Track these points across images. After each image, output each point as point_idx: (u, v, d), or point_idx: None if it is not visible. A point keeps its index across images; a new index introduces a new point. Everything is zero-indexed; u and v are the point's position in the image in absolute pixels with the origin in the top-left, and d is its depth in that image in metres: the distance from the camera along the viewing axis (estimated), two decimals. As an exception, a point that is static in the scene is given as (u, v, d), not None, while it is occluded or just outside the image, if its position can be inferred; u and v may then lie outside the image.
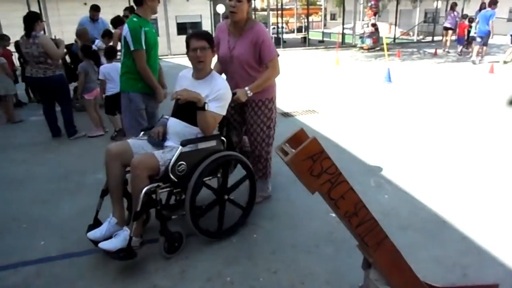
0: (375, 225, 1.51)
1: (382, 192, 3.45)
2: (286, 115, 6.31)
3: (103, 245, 2.40)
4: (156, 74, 3.75)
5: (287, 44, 22.13)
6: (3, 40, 7.14)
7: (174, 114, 2.73)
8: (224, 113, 2.70)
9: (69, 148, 5.01)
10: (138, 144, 2.65)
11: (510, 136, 4.85)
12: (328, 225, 2.91)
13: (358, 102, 6.99)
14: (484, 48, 11.19)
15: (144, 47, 3.49)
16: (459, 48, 12.81)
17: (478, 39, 10.88)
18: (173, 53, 19.07)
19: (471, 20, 12.67)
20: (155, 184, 2.42)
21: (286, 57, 15.67)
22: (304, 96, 7.72)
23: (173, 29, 20.14)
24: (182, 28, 20.51)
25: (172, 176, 2.44)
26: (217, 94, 2.60)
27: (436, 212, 3.06)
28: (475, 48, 11.06)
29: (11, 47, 7.74)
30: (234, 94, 2.82)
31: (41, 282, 2.40)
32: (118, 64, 5.16)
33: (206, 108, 2.51)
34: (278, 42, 21.19)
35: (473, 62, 10.88)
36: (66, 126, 5.32)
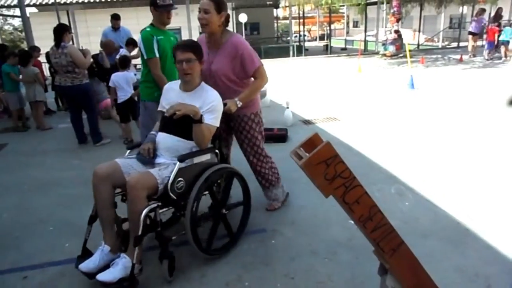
0: (390, 230, 1.51)
1: (403, 200, 3.39)
2: (307, 122, 6.31)
3: (102, 277, 2.21)
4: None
5: (309, 52, 22.15)
6: (35, 51, 7.46)
7: (163, 129, 2.60)
8: (218, 124, 2.61)
9: (94, 154, 5.17)
10: (127, 163, 2.48)
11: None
12: (347, 231, 2.89)
13: (380, 109, 6.91)
14: None
15: (157, 55, 3.49)
16: (486, 52, 12.56)
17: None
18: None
19: (500, 25, 12.46)
20: (155, 204, 2.29)
21: (307, 65, 15.68)
22: (325, 103, 7.70)
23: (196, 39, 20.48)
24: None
25: (171, 194, 2.32)
26: (210, 106, 2.54)
27: (458, 220, 2.99)
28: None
29: (42, 58, 8.10)
30: (224, 105, 2.76)
31: (66, 282, 2.49)
32: (128, 73, 5.42)
33: (202, 120, 2.43)
34: (300, 50, 21.22)
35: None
36: (92, 133, 5.50)
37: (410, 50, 9.78)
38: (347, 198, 1.40)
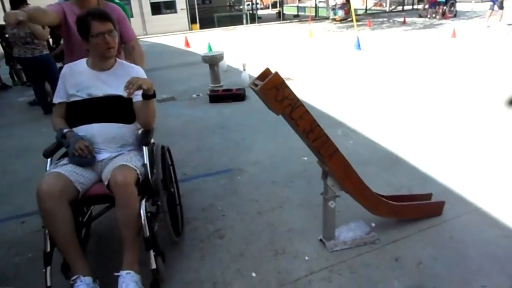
0: (327, 139, 2.02)
1: (348, 140, 3.99)
2: (263, 83, 6.76)
3: None
4: None
5: (262, 20, 22.31)
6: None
7: (90, 119, 2.13)
8: None
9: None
10: (70, 170, 2.00)
11: (451, 89, 5.46)
12: (301, 166, 3.43)
13: (329, 69, 7.50)
14: (500, 11, 11.81)
15: None
16: (430, 11, 13.85)
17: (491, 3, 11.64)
18: (148, 33, 19.05)
19: None
20: (144, 198, 2.04)
21: (261, 32, 15.96)
22: (280, 65, 8.15)
23: (147, 9, 19.99)
24: (156, 7, 20.37)
25: (151, 183, 2.11)
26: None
27: (391, 151, 3.62)
28: (488, 12, 11.78)
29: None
30: None
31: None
32: None
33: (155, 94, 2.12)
34: (253, 18, 21.34)
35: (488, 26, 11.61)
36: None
37: (358, 14, 10.39)
38: (294, 115, 1.88)
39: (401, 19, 14.55)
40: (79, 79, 2.17)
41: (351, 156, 3.55)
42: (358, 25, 9.83)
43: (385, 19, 16.02)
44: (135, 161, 2.08)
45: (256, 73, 5.65)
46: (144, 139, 2.19)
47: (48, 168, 2.10)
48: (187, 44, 12.19)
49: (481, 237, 2.34)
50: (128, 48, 2.74)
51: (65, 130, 2.12)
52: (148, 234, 1.96)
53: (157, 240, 2.06)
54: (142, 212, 1.96)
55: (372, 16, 17.50)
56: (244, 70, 6.48)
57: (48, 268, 1.93)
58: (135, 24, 19.52)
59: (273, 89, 1.80)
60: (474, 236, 2.34)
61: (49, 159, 2.15)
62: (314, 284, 2.06)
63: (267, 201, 2.93)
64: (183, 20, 20.67)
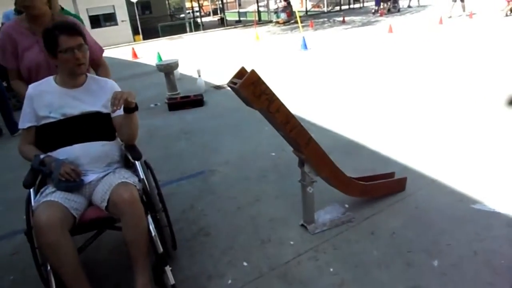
0: (302, 129, 2.19)
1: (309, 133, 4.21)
2: (218, 87, 6.89)
3: None
4: None
5: (205, 27, 22.43)
6: None
7: (68, 140, 2.00)
8: None
9: (15, 143, 5.12)
10: (62, 197, 1.86)
11: (390, 76, 5.94)
12: (271, 161, 3.59)
13: (280, 70, 7.78)
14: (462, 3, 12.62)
15: None
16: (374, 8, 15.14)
17: None
18: (90, 47, 18.40)
19: None
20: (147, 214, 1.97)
21: (206, 39, 16.05)
22: (231, 69, 8.25)
23: (86, 22, 19.33)
24: (95, 20, 19.84)
25: (145, 197, 2.03)
26: None
27: (352, 139, 3.89)
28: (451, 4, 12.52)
29: None
30: None
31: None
32: None
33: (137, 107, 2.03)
34: (196, 26, 21.38)
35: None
36: (7, 124, 5.39)
37: (299, 16, 10.80)
38: (271, 108, 2.03)
39: (341, 19, 15.34)
40: (49, 99, 2.01)
41: None
42: (302, 26, 10.29)
43: (325, 19, 16.79)
44: (131, 177, 1.99)
45: (210, 79, 5.80)
46: (134, 154, 2.10)
47: (34, 199, 1.93)
48: (134, 55, 12.00)
49: (441, 204, 2.62)
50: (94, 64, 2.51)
51: (41, 156, 1.96)
52: (161, 250, 1.93)
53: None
54: (152, 228, 1.92)
55: (313, 17, 18.25)
56: (199, 76, 6.55)
57: None
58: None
59: (251, 86, 1.93)
60: (435, 204, 2.62)
61: (31, 190, 1.98)
62: (303, 264, 2.21)
63: (244, 196, 3.05)
64: (126, 32, 20.27)
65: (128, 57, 12.23)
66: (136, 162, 2.11)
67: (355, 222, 2.53)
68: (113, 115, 2.08)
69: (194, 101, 5.84)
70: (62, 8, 2.92)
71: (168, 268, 1.94)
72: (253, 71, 1.93)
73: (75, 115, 2.01)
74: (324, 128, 4.29)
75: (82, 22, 3.03)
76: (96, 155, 2.03)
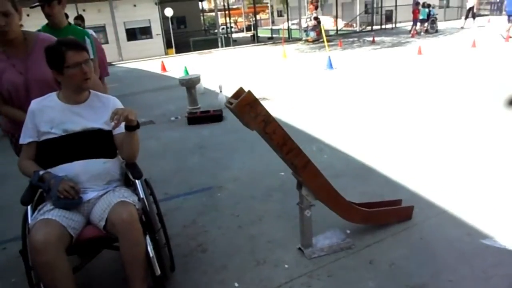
0: (299, 152, 2.16)
1: (322, 154, 4.16)
2: (240, 103, 6.95)
3: None
4: None
5: (237, 42, 22.84)
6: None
7: (68, 157, 1.97)
8: None
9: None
10: (59, 215, 1.83)
11: (415, 102, 5.78)
12: (278, 180, 3.56)
13: (303, 88, 7.78)
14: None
15: None
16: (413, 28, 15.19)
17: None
18: (124, 58, 19.17)
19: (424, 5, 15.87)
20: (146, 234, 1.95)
21: (236, 55, 16.32)
22: (256, 86, 8.37)
23: (123, 35, 20.20)
24: (131, 33, 20.65)
25: (144, 217, 2.00)
26: None
27: (364, 163, 3.81)
28: (507, 25, 12.26)
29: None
30: None
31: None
32: None
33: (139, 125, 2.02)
34: (228, 41, 21.81)
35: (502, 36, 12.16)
36: None
37: (329, 35, 10.86)
38: (267, 129, 2.02)
39: (371, 39, 15.23)
40: (51, 114, 1.99)
41: (325, 169, 3.73)
42: (329, 45, 10.30)
43: (355, 39, 16.72)
44: (131, 196, 1.97)
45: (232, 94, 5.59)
46: (135, 172, 2.07)
47: (31, 217, 1.90)
48: (163, 68, 12.35)
49: (448, 236, 2.50)
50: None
51: (41, 172, 1.92)
52: (159, 272, 1.91)
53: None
54: (150, 249, 1.89)
55: (343, 37, 18.22)
56: (221, 91, 6.65)
57: None
58: (110, 50, 19.63)
59: (247, 106, 1.94)
60: (441, 236, 2.51)
61: (29, 207, 1.95)
62: (295, 290, 2.16)
63: (247, 215, 3.03)
64: (159, 45, 20.95)
65: (158, 70, 12.61)
66: (137, 180, 2.08)
67: (354, 249, 2.46)
68: (114, 132, 2.05)
69: (213, 116, 5.91)
70: (70, 24, 3.06)
71: None
72: (249, 92, 1.94)
73: (76, 131, 1.99)
74: (337, 150, 4.23)
75: (90, 38, 3.13)
76: (97, 172, 2.00)
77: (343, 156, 4.05)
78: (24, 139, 2.02)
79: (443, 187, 3.14)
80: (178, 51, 20.93)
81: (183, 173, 4.03)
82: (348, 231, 2.63)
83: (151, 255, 1.90)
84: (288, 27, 21.81)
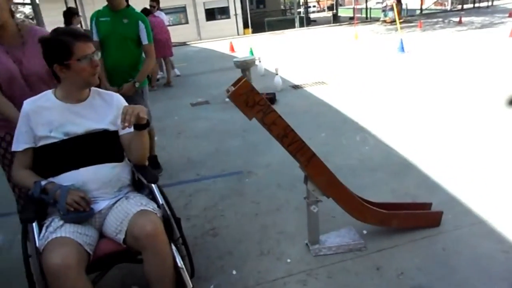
0: (302, 145, 2.05)
1: (364, 145, 3.92)
2: (296, 87, 6.81)
3: None
4: (121, 69, 3.24)
5: (317, 23, 22.28)
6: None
7: (77, 163, 1.76)
8: None
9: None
10: (72, 231, 1.63)
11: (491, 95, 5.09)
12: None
13: (366, 73, 7.34)
14: None
15: (94, 38, 3.19)
16: None
17: None
18: (202, 38, 19.82)
19: None
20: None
21: (309, 35, 15.90)
22: (317, 69, 8.15)
23: (202, 15, 20.84)
24: (210, 13, 21.21)
25: (166, 226, 1.76)
26: None
27: (405, 157, 3.51)
28: None
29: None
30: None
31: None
32: None
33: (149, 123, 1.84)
34: (306, 21, 21.34)
35: None
36: None
37: (411, 15, 10.00)
38: (266, 120, 1.95)
39: (457, 19, 13.75)
40: (49, 116, 1.76)
41: (363, 161, 3.59)
42: (407, 27, 9.50)
43: (439, 19, 15.22)
44: (149, 204, 1.78)
45: (292, 77, 5.59)
46: (149, 176, 1.88)
47: (38, 235, 1.62)
48: (232, 48, 12.52)
49: (477, 250, 2.22)
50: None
51: (43, 183, 1.70)
52: (191, 285, 1.77)
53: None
54: (178, 260, 1.73)
55: (426, 17, 16.70)
56: (277, 74, 6.56)
57: None
58: (190, 29, 20.49)
59: (243, 95, 1.88)
60: (469, 250, 2.23)
61: (34, 224, 1.64)
62: (289, 286, 2.10)
63: (267, 203, 2.99)
64: (236, 25, 21.25)
65: (227, 50, 12.81)
66: (153, 185, 1.87)
67: (364, 252, 2.30)
68: (121, 132, 1.87)
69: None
70: (128, 5, 3.22)
71: None
72: (245, 82, 1.88)
73: (79, 134, 1.78)
74: (381, 142, 3.95)
75: (145, 23, 3.26)
76: (107, 179, 1.80)
77: (386, 148, 3.78)
78: (18, 145, 1.77)
79: (488, 194, 2.76)
80: (255, 31, 21.05)
81: (220, 155, 4.10)
82: (365, 232, 2.46)
83: (180, 265, 1.73)
84: (366, 6, 20.59)
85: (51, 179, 1.75)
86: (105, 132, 1.83)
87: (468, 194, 2.77)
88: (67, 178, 1.74)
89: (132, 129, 1.76)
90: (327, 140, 4.15)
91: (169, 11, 16.24)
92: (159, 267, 1.67)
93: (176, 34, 7.98)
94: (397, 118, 4.63)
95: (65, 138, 1.76)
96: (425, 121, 4.42)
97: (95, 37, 3.18)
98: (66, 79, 1.77)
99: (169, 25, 8.70)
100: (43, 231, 1.64)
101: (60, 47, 1.69)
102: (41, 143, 1.75)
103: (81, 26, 7.39)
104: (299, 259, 2.30)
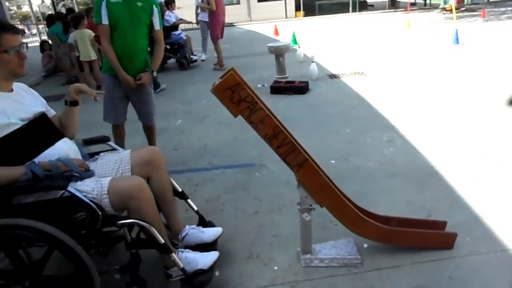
0: (294, 148, 1.87)
1: (390, 146, 3.60)
2: (332, 76, 6.47)
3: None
4: (133, 55, 3.08)
5: (374, 7, 21.18)
6: (90, 12, 8.22)
7: (47, 142, 1.88)
8: None
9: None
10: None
11: None
12: (325, 169, 3.22)
13: (410, 65, 6.81)
14: None
15: (104, 22, 2.94)
16: None
17: None
18: (253, 19, 19.55)
19: None
20: None
21: (360, 22, 15.10)
22: (358, 58, 7.72)
23: (244, -4, 20.49)
24: (262, -6, 20.81)
25: None
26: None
27: (431, 164, 3.17)
28: None
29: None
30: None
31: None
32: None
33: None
34: (362, 6, 20.34)
35: None
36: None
37: (476, 3, 9.12)
38: (253, 118, 1.78)
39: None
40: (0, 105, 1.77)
41: (383, 164, 3.30)
42: (469, 16, 8.66)
43: (509, 8, 13.80)
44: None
45: (330, 65, 5.17)
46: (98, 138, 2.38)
47: (84, 191, 1.75)
48: (276, 32, 12.20)
49: (492, 282, 1.94)
50: None
51: (36, 162, 1.75)
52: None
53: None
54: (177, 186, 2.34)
55: (494, 5, 15.20)
56: (313, 62, 6.26)
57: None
58: (240, 10, 20.27)
59: (227, 91, 1.72)
60: (479, 282, 1.95)
61: (71, 186, 1.74)
62: (268, 297, 1.96)
63: (270, 201, 2.84)
64: (288, 7, 20.72)
65: (271, 33, 12.50)
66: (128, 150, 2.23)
67: (360, 269, 2.09)
68: (50, 114, 2.05)
69: (297, 88, 5.63)
70: None
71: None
72: (232, 74, 1.71)
73: (31, 118, 1.85)
74: (409, 144, 3.61)
75: (158, 8, 3.13)
76: (75, 149, 2.01)
77: (412, 152, 3.45)
78: None
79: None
80: (307, 14, 20.42)
81: (237, 144, 3.97)
82: (366, 245, 2.24)
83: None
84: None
85: (34, 160, 1.77)
86: (44, 115, 1.97)
87: (494, 217, 2.42)
88: (48, 155, 1.82)
89: (54, 112, 2.08)
90: (351, 137, 3.88)
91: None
92: (166, 176, 2.19)
93: (227, 14, 7.82)
94: (433, 118, 4.21)
95: (25, 122, 1.81)
96: (465, 125, 3.97)
97: (105, 21, 2.92)
98: None
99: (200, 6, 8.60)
100: (93, 187, 1.77)
101: None
102: (3, 132, 1.71)
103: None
104: (287, 268, 2.14)
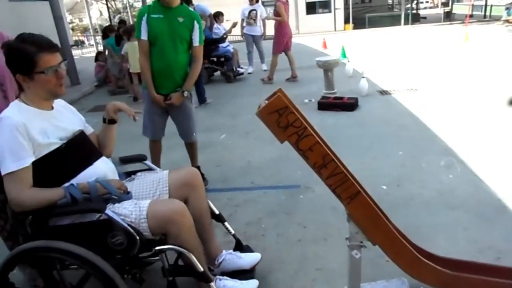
0: (346, 179, 1.68)
1: (449, 172, 3.28)
2: (383, 92, 6.17)
3: None
4: (171, 71, 3.00)
5: (427, 20, 20.44)
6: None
7: (86, 162, 1.84)
8: None
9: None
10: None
11: None
12: (376, 195, 2.91)
13: (466, 82, 6.33)
14: None
15: (143, 37, 2.92)
16: None
17: None
18: (301, 32, 19.47)
19: None
20: None
21: (413, 35, 14.50)
22: (410, 73, 7.34)
23: (302, 8, 20.48)
24: (311, 7, 20.75)
25: None
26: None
27: (498, 196, 2.83)
28: None
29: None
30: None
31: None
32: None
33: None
34: (414, 18, 19.66)
35: None
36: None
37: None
38: (301, 145, 1.62)
39: None
40: (40, 124, 1.69)
41: (442, 194, 3.00)
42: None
43: None
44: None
45: (381, 81, 4.88)
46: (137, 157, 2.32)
47: (120, 214, 1.70)
48: (324, 45, 11.97)
49: None
50: None
51: (75, 184, 1.69)
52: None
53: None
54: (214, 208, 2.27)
55: None
56: (363, 77, 6.00)
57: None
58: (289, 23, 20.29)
59: (274, 114, 1.58)
60: None
61: (109, 210, 1.68)
62: None
63: (315, 229, 2.65)
64: (337, 20, 20.47)
65: (319, 47, 12.29)
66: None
67: (411, 318, 1.85)
68: (88, 132, 2.00)
69: (346, 104, 5.39)
70: (182, 2, 3.02)
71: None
72: (279, 96, 1.57)
73: (70, 137, 1.81)
74: (470, 171, 3.27)
75: (199, 23, 3.03)
76: (113, 168, 1.98)
77: (475, 181, 3.11)
78: (25, 160, 1.60)
79: None
80: (357, 27, 20.05)
81: (280, 163, 3.81)
82: (422, 288, 1.99)
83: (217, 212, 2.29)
84: (486, 2, 18.08)
85: (72, 182, 1.73)
86: (83, 132, 1.94)
87: None
88: (86, 176, 1.78)
89: (92, 129, 2.06)
90: (404, 160, 3.59)
91: (268, 3, 16.19)
92: (204, 199, 2.13)
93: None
94: (497, 143, 3.81)
95: (64, 142, 1.77)
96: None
97: (144, 36, 2.90)
98: (30, 89, 1.72)
99: (268, 18, 8.66)
100: (131, 211, 1.72)
101: (21, 58, 1.64)
102: (43, 152, 1.67)
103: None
104: (330, 310, 1.94)
